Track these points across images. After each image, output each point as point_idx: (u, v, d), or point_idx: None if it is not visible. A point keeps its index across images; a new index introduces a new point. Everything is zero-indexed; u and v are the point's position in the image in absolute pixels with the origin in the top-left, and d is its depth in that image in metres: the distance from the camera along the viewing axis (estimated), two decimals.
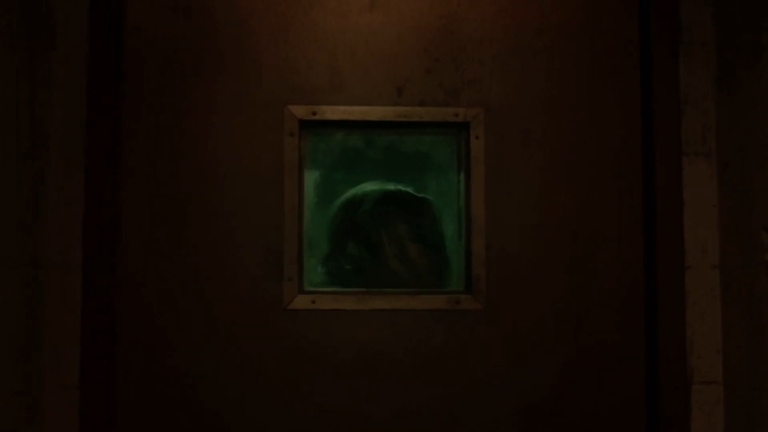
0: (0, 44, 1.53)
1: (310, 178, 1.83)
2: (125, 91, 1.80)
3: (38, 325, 1.71)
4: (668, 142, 1.83)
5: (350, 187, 1.86)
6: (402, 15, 1.83)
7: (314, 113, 1.81)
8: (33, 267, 1.68)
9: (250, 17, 1.82)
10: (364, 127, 1.83)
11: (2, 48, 1.54)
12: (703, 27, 1.87)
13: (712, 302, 1.82)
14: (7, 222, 1.56)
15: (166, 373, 1.76)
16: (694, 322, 1.82)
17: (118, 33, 1.81)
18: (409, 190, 1.87)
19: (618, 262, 1.83)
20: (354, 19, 1.83)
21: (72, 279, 1.75)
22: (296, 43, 1.82)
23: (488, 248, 1.80)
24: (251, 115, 1.80)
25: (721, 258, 1.82)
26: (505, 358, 1.80)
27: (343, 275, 1.84)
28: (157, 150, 1.79)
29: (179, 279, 1.77)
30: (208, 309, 1.77)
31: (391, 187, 1.87)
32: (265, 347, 1.77)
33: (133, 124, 1.80)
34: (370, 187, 1.87)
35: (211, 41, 1.81)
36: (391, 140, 1.85)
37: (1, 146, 1.52)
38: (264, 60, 1.82)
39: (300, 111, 1.81)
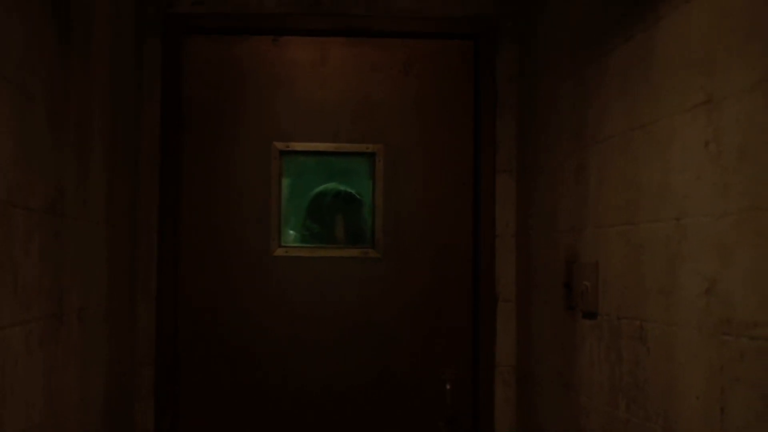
0: (123, 110, 2.91)
1: (285, 182, 3.22)
2: (183, 133, 3.19)
3: (134, 263, 3.11)
4: (489, 164, 3.21)
5: (308, 187, 3.25)
6: (340, 91, 3.22)
7: (288, 146, 3.19)
8: (133, 231, 3.08)
9: (254, 90, 3.20)
10: (316, 154, 3.22)
11: (125, 112, 2.92)
12: (510, 97, 3.23)
13: (510, 255, 3.21)
14: (125, 210, 2.96)
15: (206, 288, 3.16)
16: (499, 266, 3.21)
17: (178, 98, 3.18)
18: (352, 191, 3.25)
19: (458, 231, 3.22)
20: (312, 94, 3.21)
21: (152, 236, 3.14)
22: (280, 106, 3.20)
23: (384, 223, 3.20)
24: (254, 147, 3.18)
25: (516, 230, 3.21)
26: (394, 282, 3.19)
27: (303, 238, 3.24)
28: (200, 167, 3.18)
29: (211, 238, 3.17)
30: (226, 256, 3.16)
31: (341, 188, 3.26)
32: (258, 276, 3.18)
33: (188, 153, 3.18)
34: (329, 186, 3.25)
35: (232, 104, 3.20)
36: (331, 161, 3.25)
37: (121, 169, 2.90)
38: (262, 115, 3.19)
39: (280, 145, 3.19)
